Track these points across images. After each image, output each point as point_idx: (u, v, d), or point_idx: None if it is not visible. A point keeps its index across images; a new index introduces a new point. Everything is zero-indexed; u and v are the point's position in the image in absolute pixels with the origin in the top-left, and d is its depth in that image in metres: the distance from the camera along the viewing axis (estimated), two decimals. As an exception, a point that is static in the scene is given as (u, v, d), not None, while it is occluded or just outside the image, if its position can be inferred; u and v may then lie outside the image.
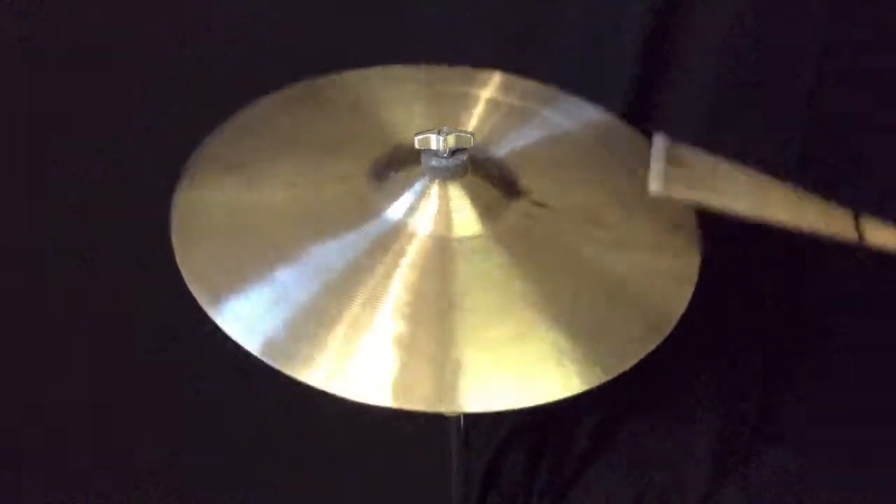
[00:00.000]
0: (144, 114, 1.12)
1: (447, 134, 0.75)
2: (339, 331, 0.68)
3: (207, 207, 0.79)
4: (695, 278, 0.77)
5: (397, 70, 0.94)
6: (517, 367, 0.68)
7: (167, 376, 1.22)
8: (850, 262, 1.17)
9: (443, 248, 0.74)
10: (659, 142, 0.81)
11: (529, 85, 0.94)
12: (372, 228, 0.75)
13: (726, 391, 1.24)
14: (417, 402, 0.66)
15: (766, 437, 1.24)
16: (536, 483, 1.23)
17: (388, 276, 0.71)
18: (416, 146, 0.75)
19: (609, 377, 0.68)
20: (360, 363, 0.67)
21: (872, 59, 1.04)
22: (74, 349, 1.21)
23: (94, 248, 1.18)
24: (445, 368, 0.66)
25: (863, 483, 1.18)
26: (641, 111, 1.07)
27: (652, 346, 0.70)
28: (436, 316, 0.70)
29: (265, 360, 0.67)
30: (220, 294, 0.71)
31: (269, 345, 0.68)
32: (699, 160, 0.82)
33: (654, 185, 0.79)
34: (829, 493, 1.18)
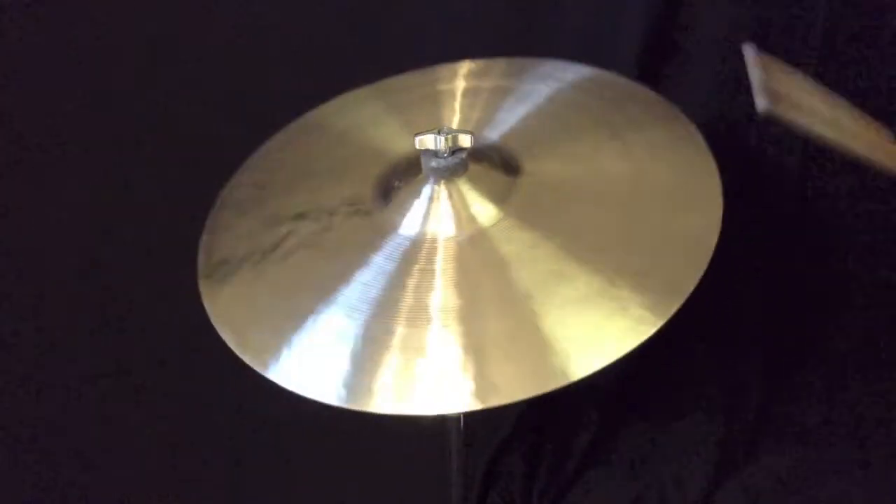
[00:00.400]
0: (144, 113, 1.12)
1: (447, 134, 0.74)
2: (403, 353, 0.67)
3: (232, 263, 0.79)
4: (719, 190, 0.76)
5: (360, 93, 0.94)
6: (602, 323, 0.68)
7: (167, 376, 1.22)
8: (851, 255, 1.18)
9: (471, 245, 0.74)
10: (750, 52, 0.78)
11: (499, 64, 0.94)
12: (396, 244, 0.74)
13: (726, 391, 1.24)
14: (514, 393, 0.65)
15: (766, 437, 1.24)
16: (536, 483, 1.23)
17: (429, 285, 0.71)
18: (417, 146, 0.75)
19: (683, 300, 0.68)
20: (439, 374, 0.66)
21: (872, 58, 1.04)
22: (74, 349, 1.21)
23: (95, 248, 1.18)
24: (529, 352, 0.66)
25: (863, 483, 1.18)
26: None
27: (706, 259, 0.70)
28: (502, 306, 0.69)
29: (350, 407, 0.65)
30: (273, 353, 0.70)
31: (346, 391, 0.66)
32: (788, 73, 0.78)
33: (762, 104, 0.76)
34: (829, 493, 1.18)
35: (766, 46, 1.03)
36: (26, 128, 1.12)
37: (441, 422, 0.92)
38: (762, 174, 1.11)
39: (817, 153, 1.09)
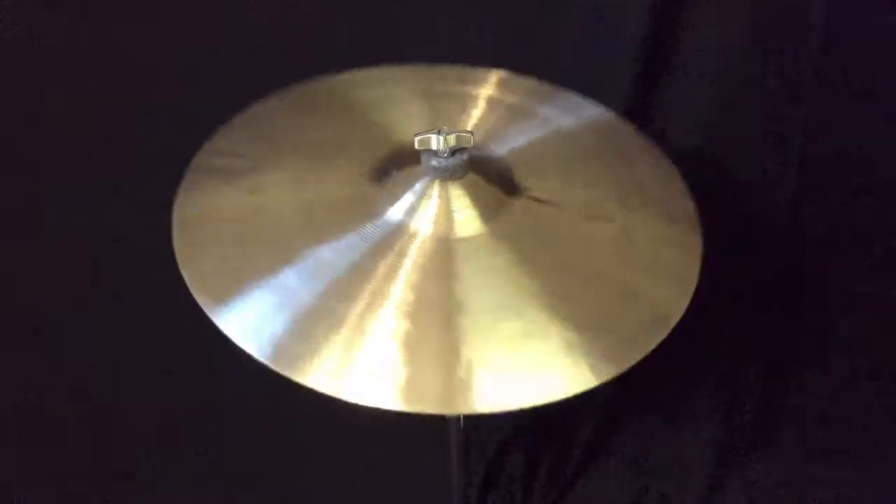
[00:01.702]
0: (142, 114, 1.12)
1: (447, 134, 0.74)
2: (344, 333, 0.68)
3: (209, 213, 0.79)
4: (698, 269, 0.76)
5: (394, 71, 0.93)
6: (529, 365, 0.68)
7: (167, 376, 1.22)
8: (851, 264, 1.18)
9: (445, 248, 0.74)
10: None
11: (529, 83, 0.94)
12: (373, 229, 0.75)
13: (726, 392, 1.24)
14: (428, 405, 0.65)
15: (766, 437, 1.24)
16: (536, 483, 1.23)
17: (390, 277, 0.71)
18: (416, 146, 0.75)
19: (621, 370, 0.68)
20: (366, 365, 0.67)
21: (872, 58, 1.04)
22: (75, 349, 1.22)
23: (95, 249, 1.18)
24: (456, 369, 0.66)
25: (863, 482, 1.18)
26: (641, 110, 1.07)
27: (660, 338, 0.70)
28: (442, 316, 0.69)
29: (269, 364, 0.66)
30: (224, 299, 0.70)
31: (272, 349, 0.67)
32: None
33: None
34: (829, 493, 1.18)
35: (767, 46, 1.04)
36: (26, 130, 1.13)
37: (441, 421, 0.92)
38: (762, 172, 1.11)
39: (817, 154, 1.09)
